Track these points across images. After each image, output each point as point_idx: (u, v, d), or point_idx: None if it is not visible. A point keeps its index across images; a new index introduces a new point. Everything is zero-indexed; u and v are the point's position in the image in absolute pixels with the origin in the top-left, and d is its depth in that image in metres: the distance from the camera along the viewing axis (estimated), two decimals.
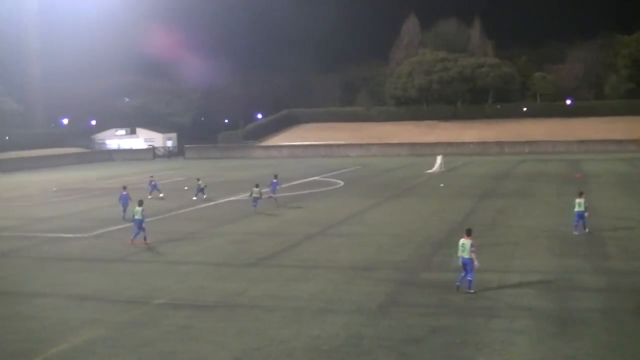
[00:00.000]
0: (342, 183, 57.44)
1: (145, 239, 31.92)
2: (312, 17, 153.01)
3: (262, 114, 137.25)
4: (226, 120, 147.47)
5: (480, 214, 38.73)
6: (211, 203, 47.17)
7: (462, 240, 21.34)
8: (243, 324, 18.54)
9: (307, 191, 51.61)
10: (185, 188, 58.12)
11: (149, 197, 50.16)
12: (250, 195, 42.05)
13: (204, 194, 49.52)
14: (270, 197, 45.06)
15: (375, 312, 19.44)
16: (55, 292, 23.45)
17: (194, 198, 49.92)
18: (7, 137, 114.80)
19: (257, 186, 42.14)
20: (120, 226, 37.74)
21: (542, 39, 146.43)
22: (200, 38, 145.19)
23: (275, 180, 46.15)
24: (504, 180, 58.76)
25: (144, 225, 31.92)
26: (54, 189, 63.00)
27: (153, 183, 52.70)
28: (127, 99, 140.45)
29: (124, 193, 40.78)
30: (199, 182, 50.97)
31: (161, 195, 51.24)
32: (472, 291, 20.94)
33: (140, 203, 32.50)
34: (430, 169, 70.51)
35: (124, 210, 39.79)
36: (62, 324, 19.39)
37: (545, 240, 30.13)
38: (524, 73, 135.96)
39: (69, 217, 42.53)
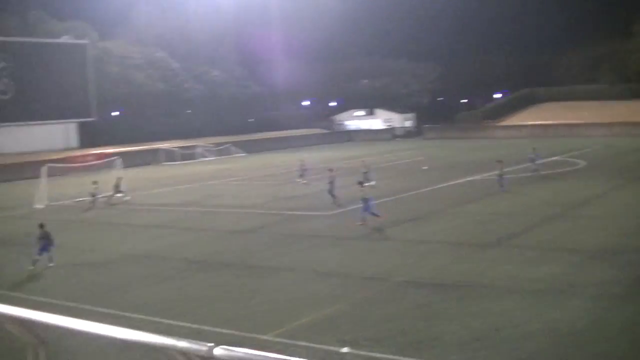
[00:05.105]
0: (583, 163, 55.67)
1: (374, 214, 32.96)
2: None
3: (501, 93, 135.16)
4: (465, 100, 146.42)
5: None
6: (449, 183, 47.23)
7: None
8: (483, 305, 18.58)
9: (547, 171, 50.51)
10: (425, 168, 58.56)
11: (299, 181, 51.46)
12: (498, 174, 42.26)
13: (370, 179, 48.70)
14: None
15: (620, 297, 18.79)
16: (299, 267, 24.51)
17: (301, 182, 51.22)
18: (252, 120, 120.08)
19: (500, 162, 42.35)
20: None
21: None
22: (438, 16, 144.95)
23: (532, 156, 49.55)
24: None
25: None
26: (298, 169, 65.36)
27: (304, 167, 52.83)
28: (365, 81, 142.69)
29: None
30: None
31: (305, 181, 51.52)
32: None
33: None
34: None
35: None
36: (306, 298, 20.25)
37: None
38: None
39: (312, 195, 43.94)
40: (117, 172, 50.88)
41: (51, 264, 26.46)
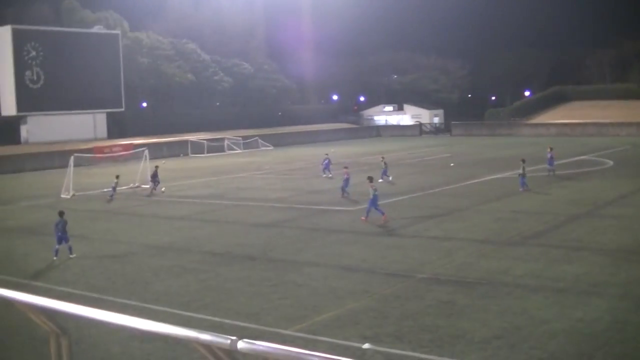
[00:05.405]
0: (611, 163, 55.28)
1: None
2: None
3: (530, 91, 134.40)
4: (493, 97, 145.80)
5: None
6: (475, 180, 47.10)
7: None
8: (505, 303, 18.54)
9: (574, 170, 50.25)
10: (451, 164, 58.47)
11: (323, 175, 51.92)
12: (520, 173, 41.74)
13: (388, 175, 48.39)
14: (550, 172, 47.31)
15: None
16: (323, 261, 24.52)
17: (325, 176, 51.82)
18: (280, 113, 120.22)
19: (523, 161, 41.95)
20: (386, 201, 38.66)
21: None
22: (468, 12, 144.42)
23: (549, 156, 47.81)
24: None
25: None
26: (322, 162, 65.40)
27: (326, 162, 53.38)
28: (395, 76, 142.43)
29: None
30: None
31: (330, 175, 51.84)
32: None
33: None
34: None
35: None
36: (329, 293, 20.28)
37: None
38: None
39: (337, 190, 43.87)
40: (144, 162, 51.15)
41: (72, 256, 26.46)
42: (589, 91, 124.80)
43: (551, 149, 48.55)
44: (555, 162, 48.55)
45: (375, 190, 32.74)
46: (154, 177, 46.74)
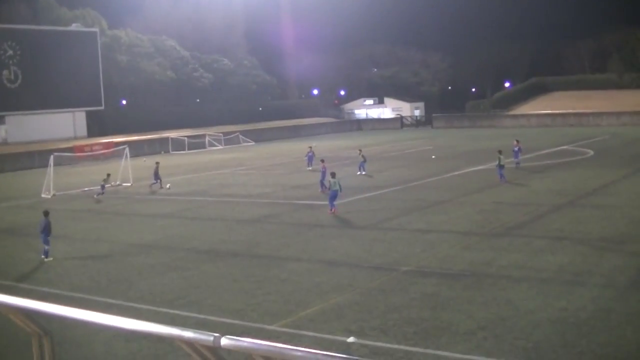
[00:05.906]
0: (591, 152, 55.51)
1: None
2: None
3: (510, 83, 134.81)
4: (473, 89, 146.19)
5: None
6: (457, 172, 47.17)
7: None
8: (489, 294, 18.57)
9: (555, 160, 50.42)
10: (433, 157, 58.56)
11: (308, 169, 52.26)
12: (498, 163, 41.78)
13: (363, 170, 48.63)
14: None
15: (626, 287, 18.80)
16: (307, 256, 24.46)
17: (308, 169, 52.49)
18: (260, 108, 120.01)
19: (500, 152, 42.01)
20: (369, 194, 38.68)
21: None
22: (449, 4, 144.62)
23: (516, 149, 47.61)
24: None
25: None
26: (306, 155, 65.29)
27: (310, 154, 53.87)
28: (375, 69, 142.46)
29: None
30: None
31: (309, 168, 52.25)
32: None
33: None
34: None
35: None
36: (313, 288, 20.24)
37: None
38: None
39: (319, 184, 43.87)
40: (125, 160, 51.04)
41: (47, 259, 25.87)
42: (569, 82, 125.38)
43: (517, 141, 48.58)
44: (532, 154, 48.66)
45: (340, 187, 32.91)
46: (156, 174, 46.73)
